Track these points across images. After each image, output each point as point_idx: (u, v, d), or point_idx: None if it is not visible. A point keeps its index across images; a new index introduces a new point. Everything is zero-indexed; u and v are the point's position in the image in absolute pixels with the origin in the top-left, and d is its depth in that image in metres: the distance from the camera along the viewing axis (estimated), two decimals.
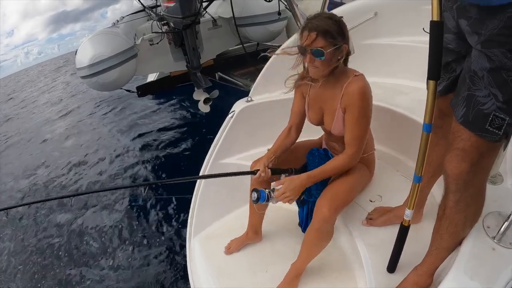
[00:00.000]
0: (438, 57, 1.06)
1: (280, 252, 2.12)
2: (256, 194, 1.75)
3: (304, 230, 2.06)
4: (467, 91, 1.13)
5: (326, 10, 2.58)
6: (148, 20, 6.39)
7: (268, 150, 1.97)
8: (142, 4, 5.90)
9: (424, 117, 1.15)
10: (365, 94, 1.65)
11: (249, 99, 2.70)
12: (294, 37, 2.31)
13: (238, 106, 2.67)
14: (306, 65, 1.73)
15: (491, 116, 1.08)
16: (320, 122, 1.92)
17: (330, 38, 1.53)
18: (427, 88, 1.13)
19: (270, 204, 2.09)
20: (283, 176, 1.88)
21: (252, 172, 1.87)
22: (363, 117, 1.69)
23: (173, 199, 4.22)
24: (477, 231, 1.40)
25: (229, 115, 2.61)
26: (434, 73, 1.08)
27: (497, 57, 1.01)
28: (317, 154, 1.98)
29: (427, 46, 1.07)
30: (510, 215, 1.39)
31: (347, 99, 1.67)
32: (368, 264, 1.70)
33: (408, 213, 1.37)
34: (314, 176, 1.73)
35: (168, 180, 1.84)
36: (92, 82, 4.43)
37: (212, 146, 2.55)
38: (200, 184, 2.44)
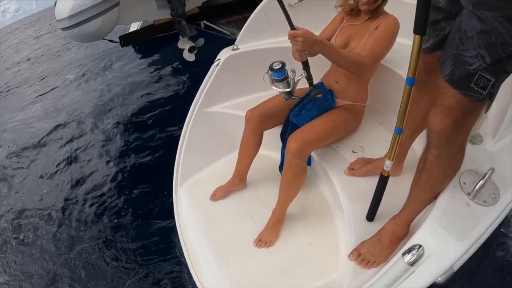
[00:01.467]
0: (425, 12, 1.06)
1: (264, 199, 2.17)
2: (279, 64, 1.61)
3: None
4: (455, 50, 1.13)
5: None
6: None
7: None
8: None
9: (408, 70, 1.16)
10: (395, 24, 1.85)
11: (235, 47, 2.64)
12: None
13: (224, 54, 2.61)
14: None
15: (477, 76, 1.09)
16: (342, 46, 2.01)
17: None
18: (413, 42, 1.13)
19: (260, 150, 2.15)
20: (304, 75, 1.75)
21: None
22: (386, 40, 1.84)
23: (159, 144, 4.23)
24: (454, 187, 1.44)
25: (215, 63, 2.56)
26: (420, 28, 1.09)
27: (488, 20, 1.00)
28: (325, 88, 2.07)
29: (414, 1, 1.06)
30: (485, 174, 1.44)
31: (380, 21, 1.87)
32: (348, 213, 1.75)
33: (388, 164, 1.41)
34: (326, 45, 1.68)
35: None
36: (74, 34, 4.22)
37: (197, 94, 2.53)
38: (186, 130, 2.45)
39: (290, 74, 1.66)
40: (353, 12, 2.02)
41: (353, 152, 2.12)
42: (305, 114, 1.95)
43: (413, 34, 1.13)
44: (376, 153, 2.01)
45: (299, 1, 2.70)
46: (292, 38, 1.54)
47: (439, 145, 1.28)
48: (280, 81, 1.65)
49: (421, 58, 1.28)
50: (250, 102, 2.55)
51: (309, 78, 1.77)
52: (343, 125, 2.02)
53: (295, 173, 1.84)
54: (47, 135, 5.52)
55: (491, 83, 1.09)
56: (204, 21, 5.61)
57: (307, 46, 1.56)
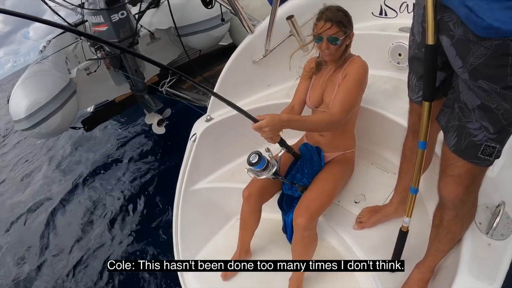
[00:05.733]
0: (432, 79, 1.12)
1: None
2: (257, 157, 1.64)
3: (289, 237, 2.02)
4: (457, 121, 1.17)
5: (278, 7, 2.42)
6: (77, 39, 5.88)
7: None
8: (68, 23, 5.35)
9: (420, 135, 1.22)
10: (363, 68, 1.84)
11: (208, 117, 2.58)
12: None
13: (199, 127, 2.54)
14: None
15: (483, 146, 1.13)
16: (317, 103, 1.99)
17: (342, 27, 1.74)
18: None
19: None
20: (283, 150, 1.83)
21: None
22: (356, 88, 1.82)
23: (151, 229, 3.96)
24: (472, 230, 1.49)
25: (191, 139, 2.49)
26: (428, 95, 1.15)
27: (486, 92, 1.02)
28: (311, 148, 2.04)
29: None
30: (497, 209, 1.50)
31: (347, 70, 1.84)
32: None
33: (406, 221, 1.48)
34: (294, 121, 1.67)
35: None
36: (35, 133, 3.93)
37: (180, 174, 2.45)
38: (178, 213, 2.35)
39: (268, 157, 1.69)
40: (321, 65, 2.00)
41: (356, 202, 2.09)
42: (302, 178, 1.92)
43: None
44: (378, 197, 2.02)
45: (263, 56, 2.66)
46: (258, 130, 1.55)
47: (454, 207, 1.34)
48: (264, 169, 1.68)
49: (415, 110, 1.35)
50: (234, 170, 2.51)
51: (289, 150, 1.86)
52: (341, 179, 1.99)
53: (308, 244, 1.80)
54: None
55: (496, 149, 1.13)
56: (165, 87, 5.48)
57: (276, 131, 1.57)
